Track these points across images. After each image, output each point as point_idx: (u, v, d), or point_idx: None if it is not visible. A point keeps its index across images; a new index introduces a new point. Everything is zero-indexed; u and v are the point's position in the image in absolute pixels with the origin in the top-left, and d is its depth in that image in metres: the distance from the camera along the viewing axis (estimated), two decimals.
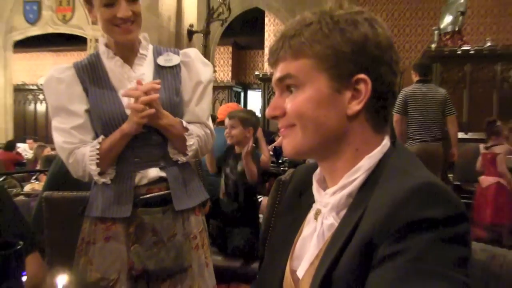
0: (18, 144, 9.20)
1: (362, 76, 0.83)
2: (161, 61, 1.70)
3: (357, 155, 0.86)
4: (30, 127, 14.65)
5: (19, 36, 10.76)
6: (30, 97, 15.08)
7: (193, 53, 1.77)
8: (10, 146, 8.56)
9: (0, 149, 8.71)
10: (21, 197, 3.56)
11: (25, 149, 9.27)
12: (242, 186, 3.00)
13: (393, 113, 4.81)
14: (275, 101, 0.90)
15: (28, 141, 9.78)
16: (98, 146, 1.59)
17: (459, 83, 7.33)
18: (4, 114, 10.93)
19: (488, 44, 7.52)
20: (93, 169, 1.59)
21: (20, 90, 14.12)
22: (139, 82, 1.56)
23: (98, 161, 1.59)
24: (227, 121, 3.12)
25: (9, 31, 10.58)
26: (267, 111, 0.92)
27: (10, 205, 1.47)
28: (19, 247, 0.87)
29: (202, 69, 1.75)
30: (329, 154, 0.88)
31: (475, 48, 7.44)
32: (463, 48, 7.39)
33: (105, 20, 1.57)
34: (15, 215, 1.46)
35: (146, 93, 1.52)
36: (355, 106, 0.84)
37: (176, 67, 1.71)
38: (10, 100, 11.34)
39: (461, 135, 6.80)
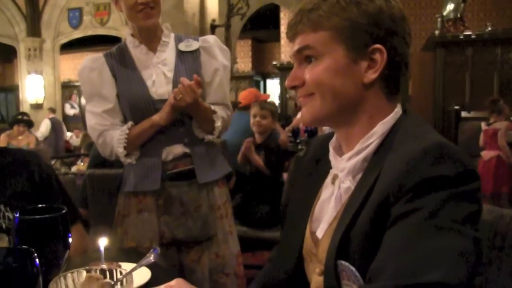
0: (68, 133, 9.38)
1: (378, 46, 0.80)
2: (182, 46, 1.69)
3: (371, 122, 0.83)
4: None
5: (64, 40, 11.04)
6: (75, 92, 15.29)
7: (212, 39, 1.75)
8: None
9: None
10: (69, 176, 3.63)
11: (72, 137, 9.44)
12: (266, 172, 2.96)
13: None
14: (294, 72, 0.87)
15: (75, 130, 9.99)
16: (127, 132, 1.60)
17: (462, 66, 7.20)
18: (55, 108, 11.21)
19: (489, 28, 7.31)
20: (120, 151, 1.61)
21: (66, 87, 14.31)
22: (183, 81, 1.55)
23: (125, 144, 1.60)
24: (257, 110, 3.07)
25: (56, 36, 10.90)
26: (286, 81, 0.89)
27: (57, 182, 1.50)
28: (64, 211, 0.88)
29: (221, 54, 1.72)
30: (346, 121, 0.85)
31: (476, 33, 7.25)
32: (465, 33, 7.23)
33: (128, 7, 1.58)
34: (61, 190, 1.49)
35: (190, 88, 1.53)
36: (371, 75, 0.81)
37: (196, 52, 1.69)
38: (59, 95, 11.62)
39: (464, 114, 6.68)
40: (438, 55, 7.05)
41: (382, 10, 0.80)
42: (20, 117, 6.14)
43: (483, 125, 5.12)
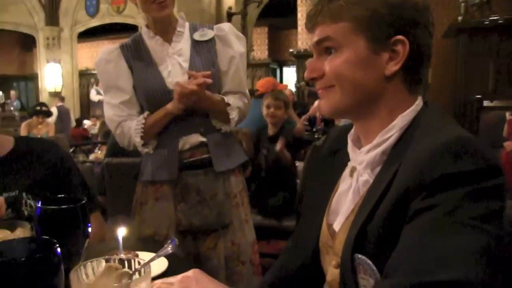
0: (84, 121, 9.51)
1: (400, 37, 0.78)
2: (197, 36, 1.69)
3: (392, 114, 0.81)
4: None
5: (82, 28, 11.15)
6: (92, 80, 15.41)
7: (227, 27, 1.74)
8: (78, 123, 8.87)
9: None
10: (87, 164, 3.69)
11: (89, 125, 9.58)
12: (281, 163, 2.96)
13: None
14: (313, 63, 0.85)
15: (92, 118, 10.12)
16: (143, 121, 1.62)
17: (486, 54, 6.92)
18: (72, 96, 11.37)
19: None
20: (138, 141, 1.63)
21: (84, 75, 14.44)
22: (189, 73, 1.56)
23: (142, 134, 1.62)
24: (271, 101, 3.05)
25: (74, 24, 11.02)
26: (305, 73, 0.87)
27: (76, 171, 1.53)
28: (83, 201, 0.90)
29: (236, 41, 1.71)
30: (365, 114, 0.84)
31: (505, 17, 6.85)
32: (490, 18, 6.91)
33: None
34: (80, 179, 1.53)
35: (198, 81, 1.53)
36: (393, 67, 0.79)
37: (211, 41, 1.69)
38: (77, 84, 11.78)
39: (486, 103, 6.50)
40: (461, 42, 6.81)
41: None
42: (38, 108, 6.26)
43: (508, 115, 4.97)
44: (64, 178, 1.46)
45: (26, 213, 1.36)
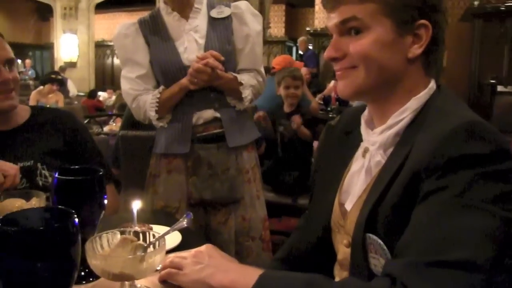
0: (99, 93, 9.54)
1: (424, 21, 0.80)
2: (214, 13, 1.68)
3: (408, 96, 0.82)
4: (108, 78, 15.04)
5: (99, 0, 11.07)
6: (108, 52, 15.42)
7: (244, 5, 1.73)
8: (92, 94, 8.90)
9: (84, 97, 9.09)
10: (102, 136, 3.71)
11: (104, 97, 9.61)
12: (298, 141, 2.92)
13: None
14: (335, 43, 0.84)
15: (108, 90, 10.15)
16: (158, 96, 1.63)
17: (501, 38, 6.81)
18: (87, 67, 11.42)
19: None
20: (152, 115, 1.64)
21: (100, 46, 14.47)
22: (199, 58, 1.55)
23: (157, 108, 1.63)
24: (290, 81, 2.99)
25: None
26: (326, 52, 0.86)
27: (92, 142, 1.54)
28: (101, 173, 0.91)
29: (253, 19, 1.71)
30: (385, 95, 0.84)
31: None
32: (507, 3, 6.80)
33: None
34: (95, 150, 1.54)
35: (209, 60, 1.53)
36: (417, 50, 0.81)
37: (228, 18, 1.69)
38: (93, 55, 11.80)
39: (500, 88, 6.40)
40: (476, 27, 6.72)
41: None
42: (54, 76, 6.27)
43: None
44: (79, 149, 1.47)
45: (40, 183, 1.37)
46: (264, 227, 1.79)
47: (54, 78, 6.20)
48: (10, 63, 1.35)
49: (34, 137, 1.41)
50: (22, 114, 1.44)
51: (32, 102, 5.84)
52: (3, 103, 1.33)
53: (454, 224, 0.65)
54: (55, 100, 6.20)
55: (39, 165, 1.38)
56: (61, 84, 6.43)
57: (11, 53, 1.35)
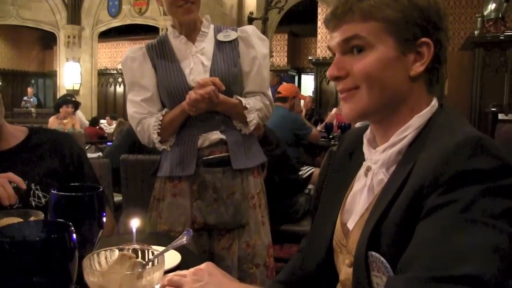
0: (101, 121, 9.61)
1: (426, 39, 0.81)
2: (221, 37, 1.71)
3: (411, 114, 0.82)
4: (110, 105, 15.17)
5: (103, 28, 11.40)
6: (111, 80, 15.62)
7: (250, 29, 1.76)
8: (94, 121, 8.95)
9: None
10: (104, 160, 3.70)
11: (105, 125, 9.68)
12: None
13: None
14: (337, 61, 0.85)
15: (106, 118, 10.23)
16: (161, 118, 1.65)
17: (501, 67, 6.93)
18: (90, 94, 11.54)
19: None
20: (155, 137, 1.66)
21: (102, 74, 14.67)
22: (198, 83, 1.56)
23: (159, 131, 1.65)
24: None
25: (95, 24, 11.25)
26: (328, 71, 0.86)
27: (88, 165, 1.55)
28: (100, 190, 0.90)
29: (259, 43, 1.73)
30: (388, 115, 0.84)
31: None
32: (506, 33, 6.96)
33: (169, 3, 1.62)
34: (91, 173, 1.54)
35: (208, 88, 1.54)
36: (419, 68, 0.81)
37: (234, 42, 1.71)
38: (95, 83, 11.95)
39: (501, 116, 6.44)
40: (477, 55, 6.80)
41: (430, 4, 0.81)
42: (69, 98, 6.28)
43: None
44: (76, 171, 1.46)
45: (33, 204, 1.35)
46: (268, 254, 1.77)
47: (70, 100, 6.19)
48: None
49: (29, 157, 1.41)
50: (18, 134, 1.44)
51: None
52: None
53: (460, 239, 0.64)
54: (71, 124, 6.17)
55: (33, 185, 1.37)
56: (76, 107, 6.42)
57: None
